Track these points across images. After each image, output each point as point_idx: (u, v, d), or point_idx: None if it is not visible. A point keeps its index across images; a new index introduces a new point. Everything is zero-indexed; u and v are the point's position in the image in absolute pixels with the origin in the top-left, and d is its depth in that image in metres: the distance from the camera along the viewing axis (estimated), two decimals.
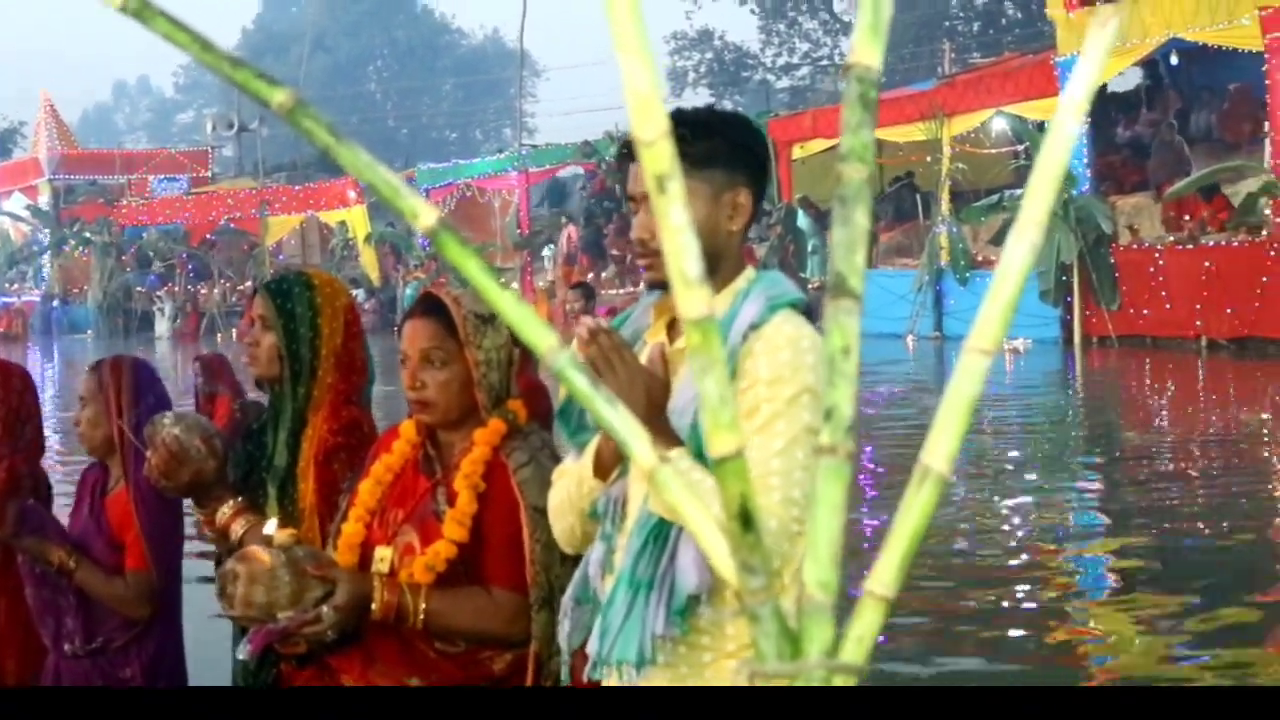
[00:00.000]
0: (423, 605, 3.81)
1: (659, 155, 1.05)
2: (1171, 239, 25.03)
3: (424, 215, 1.13)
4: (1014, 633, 8.35)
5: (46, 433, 6.63)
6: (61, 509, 6.42)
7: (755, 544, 1.07)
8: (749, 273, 3.30)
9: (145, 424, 5.13)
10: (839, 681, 1.07)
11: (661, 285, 3.25)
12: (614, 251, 37.72)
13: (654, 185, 1.05)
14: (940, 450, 1.08)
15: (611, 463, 3.26)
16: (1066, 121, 1.09)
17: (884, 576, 1.08)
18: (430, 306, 3.99)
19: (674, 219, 1.05)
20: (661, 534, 3.10)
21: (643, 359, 3.19)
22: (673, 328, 3.30)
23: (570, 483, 3.40)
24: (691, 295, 1.05)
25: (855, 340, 1.10)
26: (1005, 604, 8.90)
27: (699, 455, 2.99)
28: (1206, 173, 24.49)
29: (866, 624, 1.08)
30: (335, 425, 4.77)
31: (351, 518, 4.07)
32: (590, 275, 35.37)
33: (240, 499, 4.79)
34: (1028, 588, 9.28)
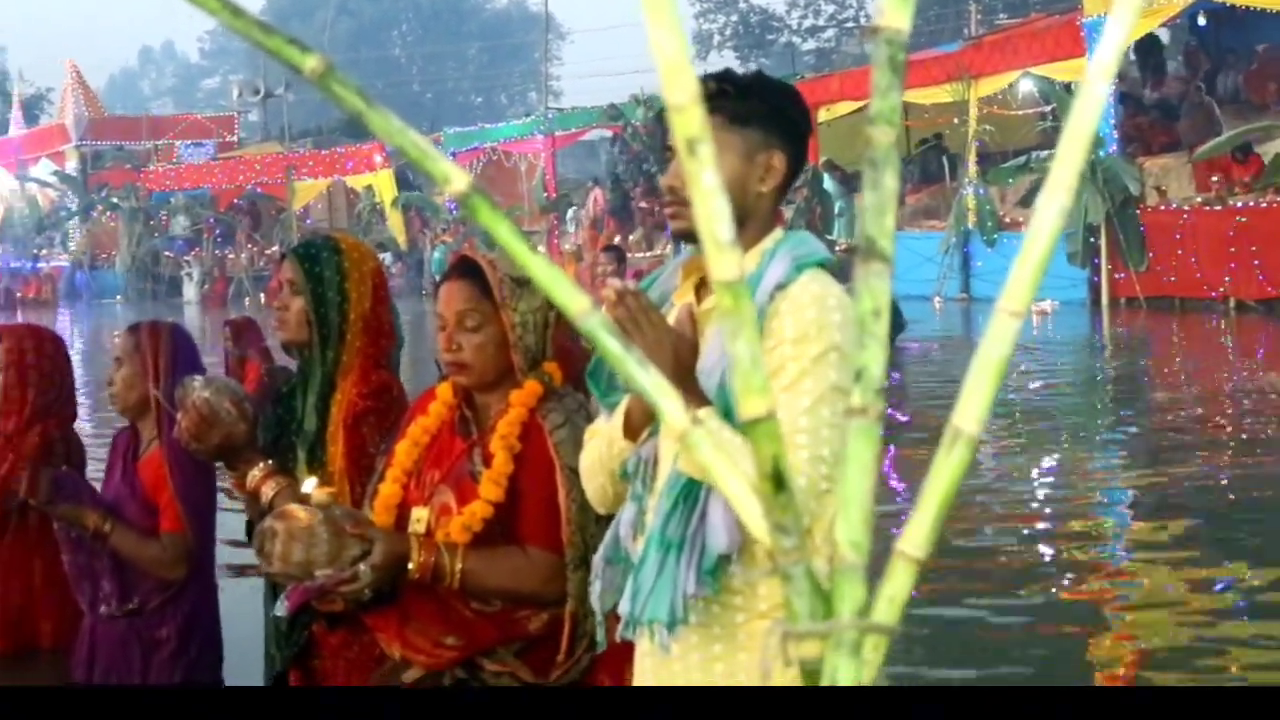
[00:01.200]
0: (459, 565, 3.83)
1: (690, 119, 1.06)
2: (1199, 200, 24.93)
3: (455, 179, 1.14)
4: (1041, 589, 8.34)
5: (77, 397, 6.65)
6: (92, 473, 6.45)
7: (788, 504, 1.08)
8: (776, 233, 3.30)
9: (173, 389, 5.15)
10: (871, 641, 1.08)
11: (687, 236, 3.25)
12: (643, 204, 37.63)
13: (685, 149, 1.05)
14: (971, 412, 1.08)
15: (641, 423, 3.27)
16: (1096, 84, 1.10)
17: (915, 537, 1.09)
18: (466, 269, 4.00)
19: (705, 182, 1.05)
20: (691, 494, 3.10)
21: (671, 320, 3.20)
22: (701, 289, 3.31)
23: (601, 443, 3.41)
24: (723, 258, 1.05)
25: (885, 302, 1.10)
26: (1031, 562, 8.91)
27: (726, 415, 2.99)
28: (1236, 133, 24.38)
29: (898, 584, 1.09)
30: (364, 389, 4.79)
31: (388, 478, 4.08)
32: (617, 238, 35.33)
33: (270, 462, 4.81)
34: (1053, 550, 9.28)
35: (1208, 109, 27.16)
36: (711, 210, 1.05)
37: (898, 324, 20.22)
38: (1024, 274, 1.09)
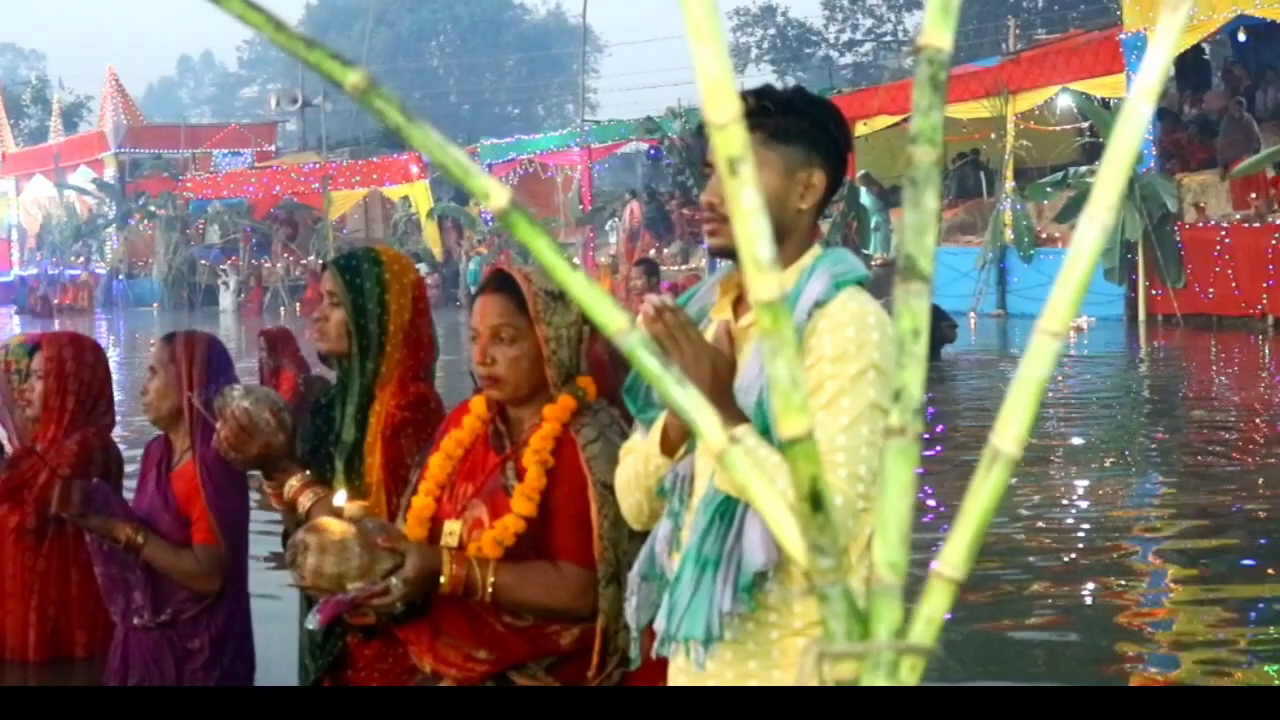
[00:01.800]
0: (491, 579, 3.83)
1: (731, 138, 1.05)
2: (1238, 217, 24.85)
3: (495, 195, 1.14)
4: (1078, 607, 8.31)
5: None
6: (128, 482, 6.47)
7: (825, 524, 1.07)
8: (815, 250, 3.30)
9: (212, 399, 5.16)
10: (908, 663, 1.08)
11: (725, 252, 3.25)
12: (681, 215, 37.66)
13: (725, 168, 1.05)
14: (1010, 432, 1.08)
15: (678, 440, 3.27)
16: (1139, 105, 1.09)
17: (953, 558, 1.09)
18: (501, 283, 4.00)
19: (746, 201, 1.05)
20: (728, 511, 3.10)
21: (709, 336, 3.20)
22: (739, 305, 3.30)
23: (637, 460, 3.41)
24: (763, 278, 1.05)
25: (925, 322, 1.10)
26: (1070, 580, 8.88)
27: (764, 432, 2.99)
28: (1274, 150, 24.29)
29: (935, 605, 1.09)
30: (402, 401, 4.80)
31: (421, 491, 4.09)
32: (653, 251, 35.34)
33: (308, 472, 4.82)
34: (1090, 564, 9.25)
35: (1246, 126, 27.05)
36: (752, 230, 1.05)
37: (945, 335, 20.23)
38: (1065, 294, 1.08)
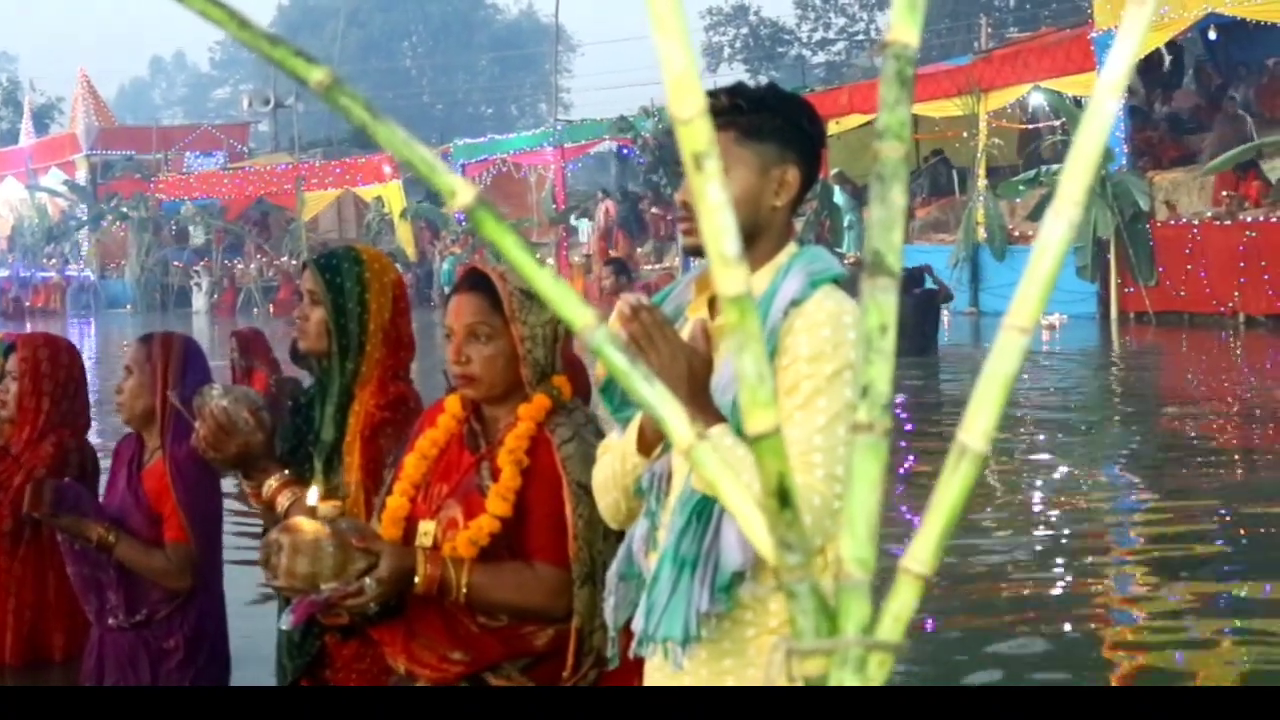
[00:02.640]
0: (465, 579, 3.82)
1: (696, 133, 1.05)
2: (1209, 214, 24.93)
3: (461, 193, 1.14)
4: (1047, 600, 8.33)
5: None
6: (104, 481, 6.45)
7: (793, 521, 1.07)
8: (791, 248, 3.30)
9: (190, 397, 5.15)
10: (876, 659, 1.08)
11: (700, 251, 3.25)
12: (652, 213, 37.71)
13: (691, 163, 1.05)
14: (978, 428, 1.08)
15: (655, 439, 3.26)
16: (1105, 100, 1.09)
17: (921, 554, 1.08)
18: (476, 282, 3.99)
19: (712, 197, 1.05)
20: (705, 511, 3.10)
21: (684, 335, 3.19)
22: (714, 303, 3.30)
23: (614, 459, 3.40)
24: (729, 273, 1.05)
25: (892, 318, 1.10)
26: (1042, 578, 8.90)
27: (739, 431, 2.99)
28: (1245, 148, 24.37)
29: (903, 601, 1.08)
30: (382, 400, 4.79)
31: (396, 491, 4.08)
32: (626, 251, 35.35)
33: (287, 472, 4.81)
34: (1064, 565, 9.27)
35: (1239, 122, 27.01)
36: (718, 225, 1.05)
37: (947, 295, 20.71)
38: (1032, 290, 1.08)
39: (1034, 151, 30.79)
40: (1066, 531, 10.23)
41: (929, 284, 21.11)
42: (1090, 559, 9.54)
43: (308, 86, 1.15)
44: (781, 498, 1.07)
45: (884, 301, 1.10)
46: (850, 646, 1.07)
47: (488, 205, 1.14)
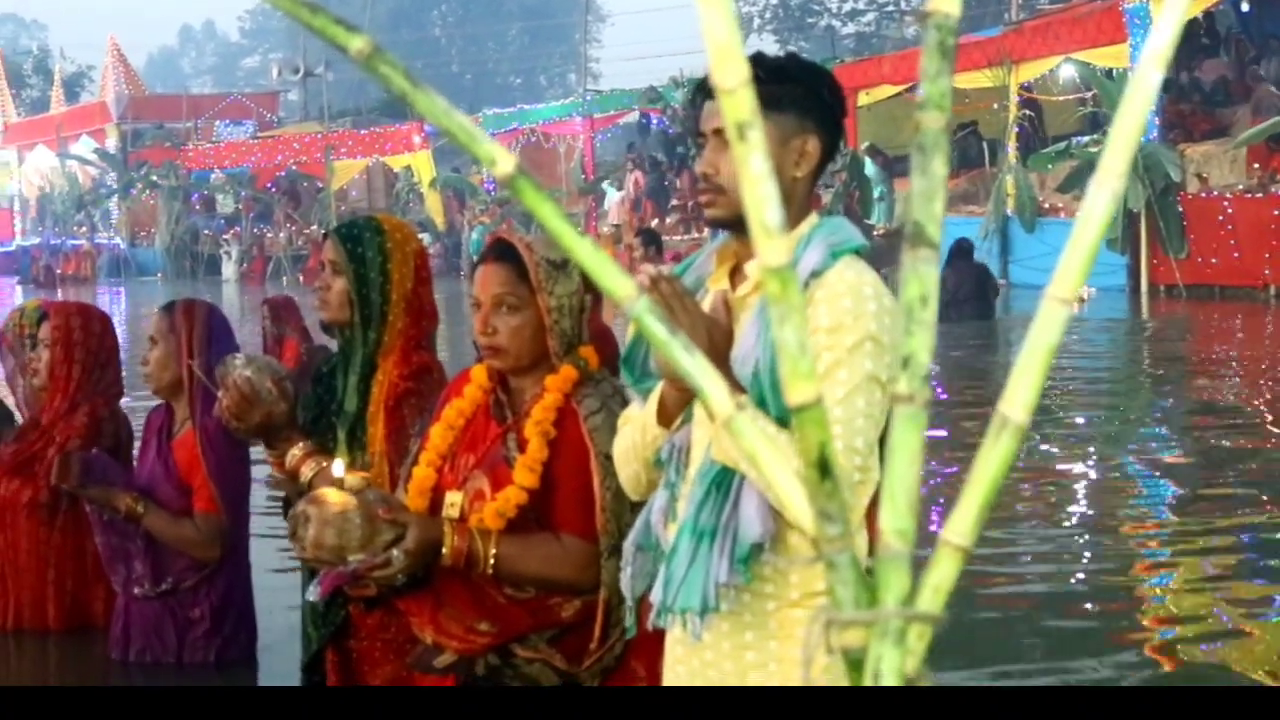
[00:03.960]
0: (493, 550, 3.82)
1: (740, 103, 1.05)
2: (1240, 187, 24.80)
3: (501, 161, 1.14)
4: (1079, 579, 8.31)
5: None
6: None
7: (833, 492, 1.07)
8: (812, 219, 3.27)
9: (214, 367, 5.15)
10: (915, 630, 1.07)
11: (721, 223, 3.24)
12: (675, 202, 37.64)
13: (734, 133, 1.05)
14: (1019, 399, 1.08)
15: (675, 410, 3.26)
16: (1149, 71, 1.08)
17: (961, 526, 1.08)
18: (503, 252, 3.98)
19: (755, 167, 1.04)
20: (724, 482, 3.09)
21: (705, 307, 3.18)
22: (735, 275, 3.29)
23: (634, 430, 3.39)
24: (771, 243, 1.05)
25: (933, 289, 1.09)
26: (1072, 552, 8.88)
27: (760, 403, 2.98)
28: (1275, 122, 24.22)
29: (943, 573, 1.08)
30: (405, 370, 4.79)
31: (422, 462, 4.07)
32: (655, 221, 35.29)
33: (310, 441, 4.82)
34: (1093, 538, 9.24)
35: (1272, 94, 26.78)
36: (760, 195, 1.04)
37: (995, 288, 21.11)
38: (1074, 261, 1.08)
39: (1064, 124, 30.64)
40: (1092, 511, 10.21)
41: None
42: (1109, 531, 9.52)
43: (347, 54, 1.14)
44: (822, 468, 1.07)
45: (925, 273, 1.09)
46: (890, 618, 1.07)
47: (527, 174, 1.14)
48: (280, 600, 6.32)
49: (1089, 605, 7.73)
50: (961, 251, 22.60)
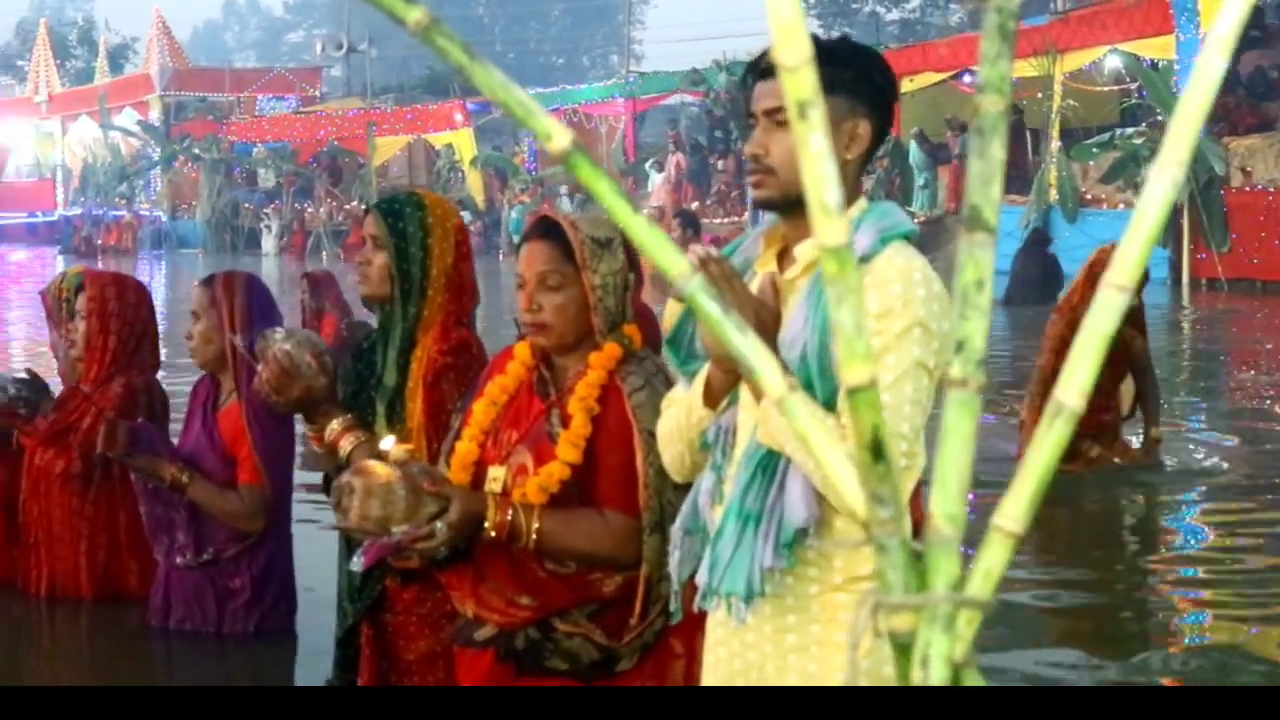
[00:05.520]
0: (535, 525, 3.83)
1: (802, 81, 1.04)
2: None
3: (557, 136, 1.14)
4: (1111, 565, 8.29)
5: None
6: (174, 423, 6.50)
7: (885, 474, 1.07)
8: (861, 203, 3.25)
9: (254, 340, 5.17)
10: (965, 616, 1.07)
11: (769, 205, 3.23)
12: (722, 188, 37.61)
13: (795, 111, 1.04)
14: (1074, 385, 1.07)
15: (721, 392, 3.25)
16: (1212, 58, 1.08)
17: (1013, 511, 1.08)
18: (547, 230, 3.98)
19: (815, 145, 1.04)
20: (770, 466, 3.09)
21: (753, 288, 3.18)
22: (783, 257, 3.27)
23: (679, 412, 3.39)
24: (830, 223, 1.04)
25: (989, 273, 1.09)
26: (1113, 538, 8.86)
27: (808, 386, 2.97)
28: None
29: (994, 558, 1.08)
30: (445, 346, 4.80)
31: (465, 437, 4.08)
32: (695, 204, 35.27)
33: (349, 416, 4.83)
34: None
35: None
36: (820, 174, 1.04)
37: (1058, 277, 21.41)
38: (1133, 248, 1.07)
39: (1107, 116, 30.52)
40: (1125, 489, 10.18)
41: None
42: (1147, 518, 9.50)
43: (405, 26, 1.14)
44: (875, 451, 1.06)
45: (981, 257, 1.09)
46: (940, 603, 1.06)
47: (583, 150, 1.14)
48: (318, 573, 6.34)
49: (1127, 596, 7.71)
50: (1037, 239, 23.47)
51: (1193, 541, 9.24)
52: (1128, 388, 9.99)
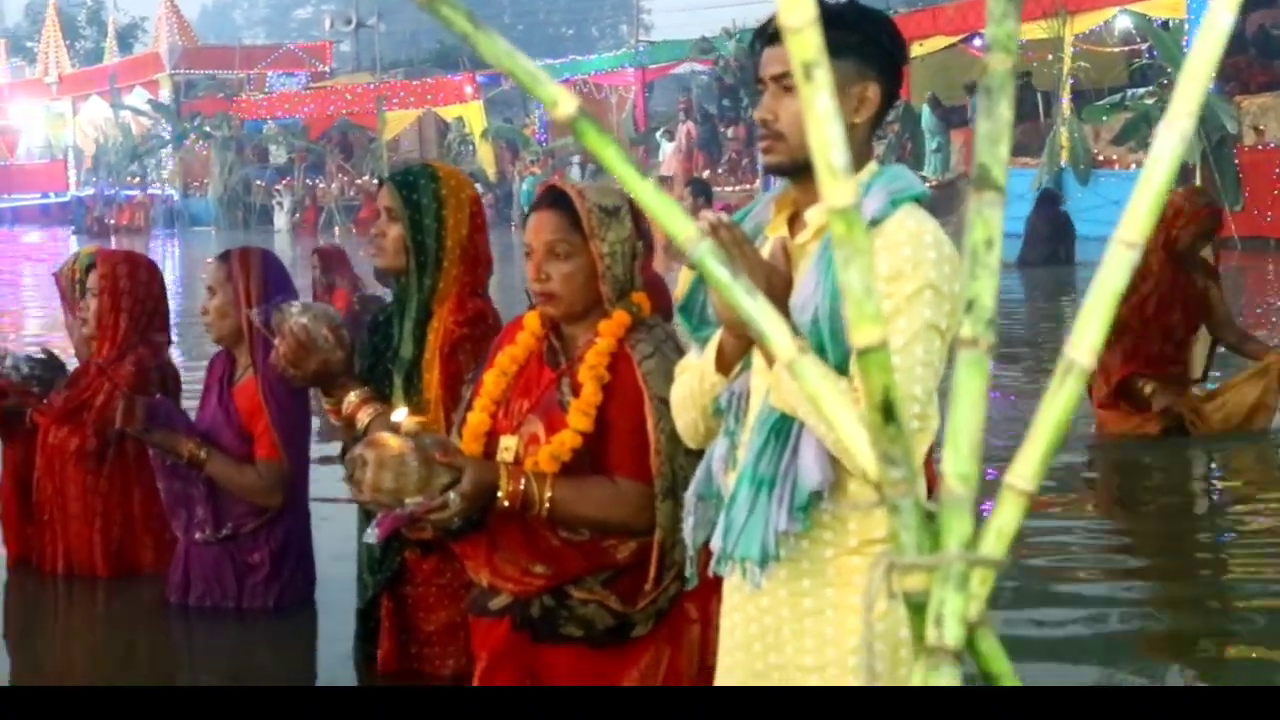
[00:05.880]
0: (548, 494, 3.84)
1: (807, 42, 1.04)
2: None
3: (563, 104, 1.13)
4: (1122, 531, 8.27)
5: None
6: (186, 400, 6.51)
7: (896, 435, 1.07)
8: (872, 166, 3.25)
9: (270, 314, 5.18)
10: (978, 575, 1.07)
11: (779, 170, 3.22)
12: (733, 156, 37.53)
13: (801, 72, 1.04)
14: (1085, 343, 1.07)
15: (734, 357, 3.25)
16: (1220, 12, 1.07)
17: (1025, 470, 1.08)
18: (555, 199, 3.98)
19: (821, 106, 1.04)
20: (783, 430, 3.08)
21: (764, 253, 3.17)
22: (794, 222, 3.27)
23: (692, 378, 3.39)
24: (837, 184, 1.04)
25: (998, 232, 1.08)
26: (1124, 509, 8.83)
27: (819, 350, 2.97)
28: None
29: (1007, 517, 1.08)
30: (460, 317, 4.80)
31: (477, 407, 4.09)
32: (707, 172, 35.21)
33: (366, 388, 4.84)
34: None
35: None
36: (826, 135, 1.04)
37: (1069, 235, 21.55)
38: (1143, 204, 1.07)
39: (1117, 76, 30.43)
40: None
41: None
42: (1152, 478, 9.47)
43: None
44: (886, 412, 1.06)
45: (990, 216, 1.09)
46: (953, 562, 1.07)
47: (589, 116, 1.14)
48: (336, 546, 6.35)
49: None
50: (1048, 198, 23.86)
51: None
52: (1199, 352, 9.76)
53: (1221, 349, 10.03)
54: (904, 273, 3.01)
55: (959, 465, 1.07)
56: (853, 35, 3.19)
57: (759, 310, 1.10)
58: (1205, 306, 9.56)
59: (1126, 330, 9.10)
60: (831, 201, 1.05)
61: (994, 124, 1.09)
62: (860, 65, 3.21)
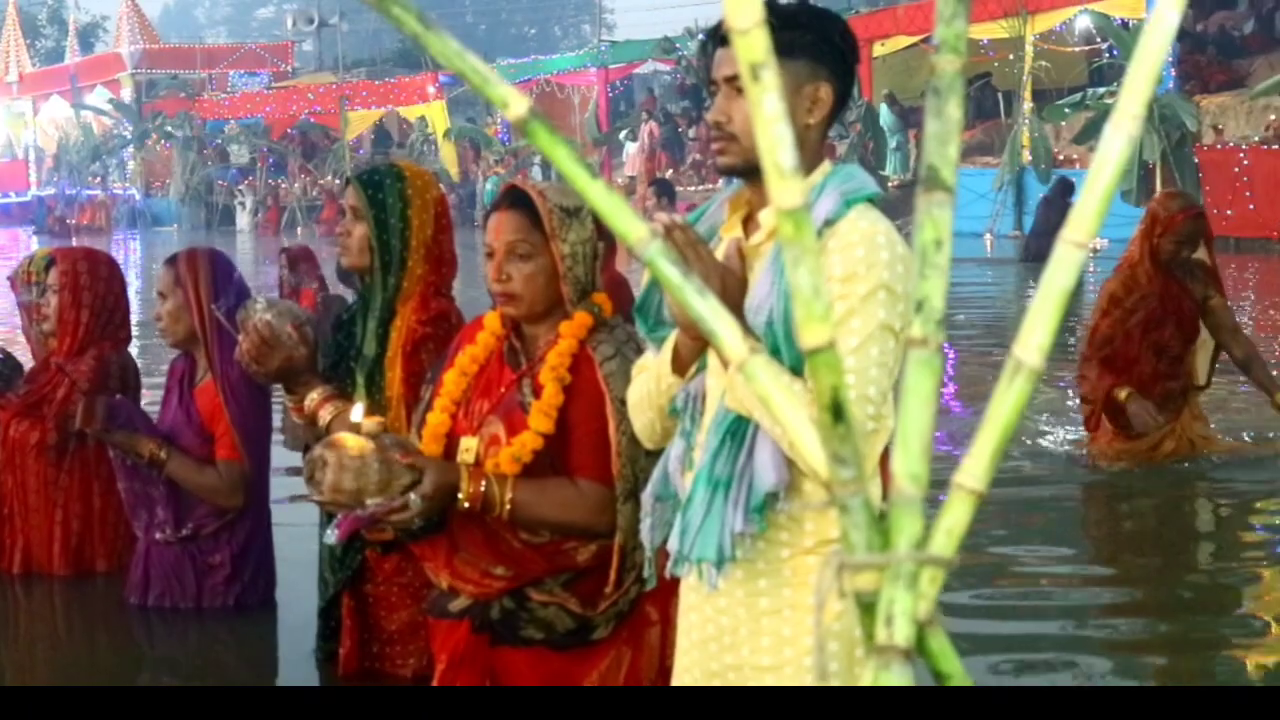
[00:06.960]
0: (509, 495, 3.84)
1: (753, 44, 1.04)
2: (1256, 139, 24.73)
3: (514, 104, 1.13)
4: (1091, 526, 8.30)
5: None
6: (148, 405, 6.49)
7: (846, 435, 1.07)
8: (825, 166, 3.26)
9: (235, 311, 5.18)
10: (928, 574, 1.07)
11: (733, 171, 3.22)
12: (696, 156, 37.59)
13: (748, 74, 1.04)
14: (1033, 342, 1.07)
15: (689, 359, 3.25)
16: (1166, 13, 1.08)
17: (975, 469, 1.08)
18: (516, 200, 3.98)
19: (769, 108, 1.04)
20: (739, 431, 3.09)
21: (718, 255, 3.17)
22: (748, 223, 3.27)
23: (649, 379, 3.38)
24: (785, 185, 1.04)
25: (948, 233, 1.09)
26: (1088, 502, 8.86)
27: (774, 352, 2.97)
28: None
29: (956, 517, 1.08)
30: (424, 316, 4.81)
31: (436, 408, 4.08)
32: (669, 172, 35.23)
33: (329, 386, 4.83)
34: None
35: None
36: (774, 136, 1.04)
37: None
38: (1090, 204, 1.07)
39: (1078, 75, 30.55)
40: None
41: None
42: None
43: None
44: (835, 412, 1.06)
45: (939, 216, 1.09)
46: (903, 561, 1.07)
47: (540, 117, 1.14)
48: (298, 546, 6.34)
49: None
50: (1063, 189, 23.74)
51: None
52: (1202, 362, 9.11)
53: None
54: (857, 274, 3.02)
55: (909, 465, 1.08)
56: (805, 35, 3.20)
57: (710, 311, 1.11)
58: (1205, 316, 8.97)
59: (1107, 344, 8.73)
60: (780, 202, 1.05)
61: (943, 124, 1.09)
62: (813, 65, 3.21)
